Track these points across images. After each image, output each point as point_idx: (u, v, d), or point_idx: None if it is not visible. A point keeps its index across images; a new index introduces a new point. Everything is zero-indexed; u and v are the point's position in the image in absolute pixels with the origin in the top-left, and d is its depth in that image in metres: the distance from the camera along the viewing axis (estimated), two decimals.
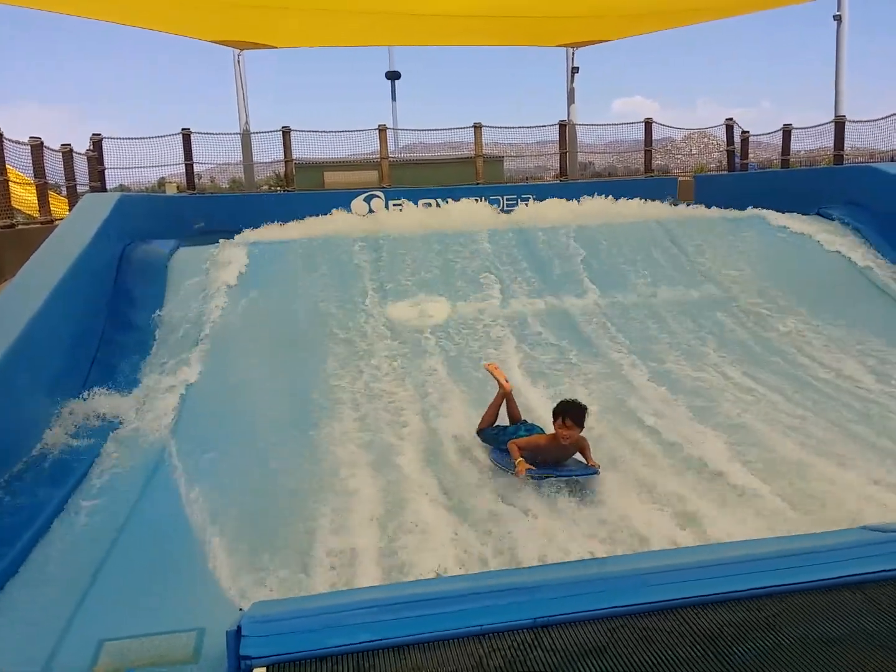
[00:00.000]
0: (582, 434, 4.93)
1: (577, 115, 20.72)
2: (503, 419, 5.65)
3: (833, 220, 10.93)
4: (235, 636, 2.44)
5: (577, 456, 5.04)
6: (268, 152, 18.02)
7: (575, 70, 20.75)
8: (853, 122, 14.37)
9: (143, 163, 17.05)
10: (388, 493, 4.90)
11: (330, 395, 6.67)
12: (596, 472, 4.81)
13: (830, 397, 6.52)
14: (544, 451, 4.95)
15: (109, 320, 7.52)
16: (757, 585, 2.70)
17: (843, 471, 5.01)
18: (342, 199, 13.84)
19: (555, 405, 5.03)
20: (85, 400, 6.06)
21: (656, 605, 2.65)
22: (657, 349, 7.77)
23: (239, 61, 19.37)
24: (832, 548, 2.92)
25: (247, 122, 18.98)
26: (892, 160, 12.49)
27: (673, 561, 2.96)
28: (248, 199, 15.08)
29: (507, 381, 5.71)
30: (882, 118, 13.29)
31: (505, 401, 5.64)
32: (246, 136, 18.52)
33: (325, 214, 12.35)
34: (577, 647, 2.55)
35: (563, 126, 18.25)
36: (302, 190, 16.56)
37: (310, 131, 17.48)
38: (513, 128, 18.69)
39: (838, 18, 17.45)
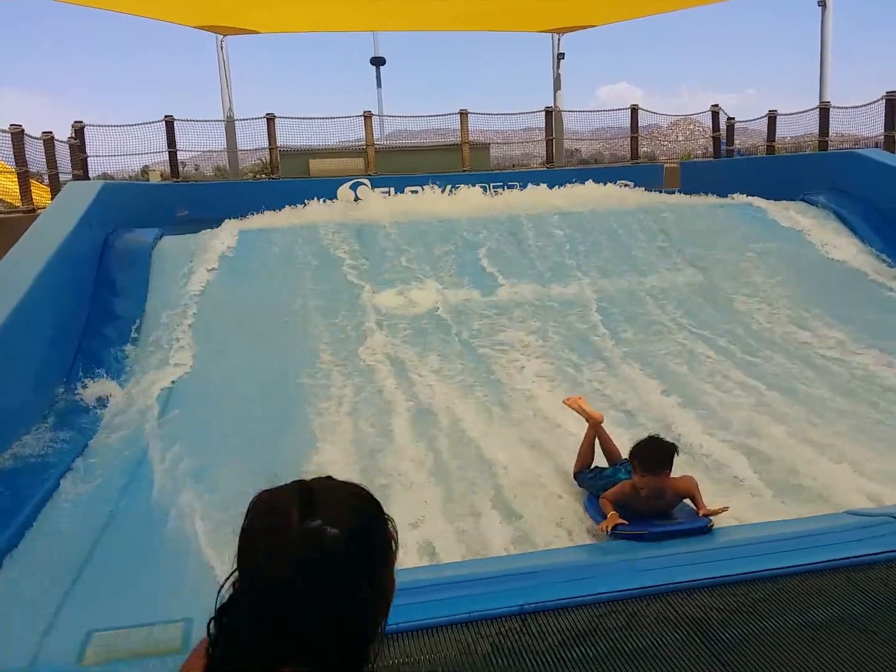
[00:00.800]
0: (685, 475, 4.02)
1: (564, 102, 20.68)
2: (600, 459, 4.66)
3: (817, 206, 10.98)
4: None
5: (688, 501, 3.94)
6: (252, 139, 17.85)
7: (561, 56, 20.68)
8: (838, 108, 14.40)
9: (126, 150, 16.85)
10: (373, 480, 4.90)
11: (319, 384, 6.65)
12: (704, 526, 3.50)
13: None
14: (634, 503, 3.86)
15: (93, 309, 7.47)
16: (743, 570, 2.74)
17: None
18: (328, 187, 13.75)
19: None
20: (69, 389, 6.01)
21: (643, 591, 2.68)
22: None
23: (222, 47, 19.15)
24: (818, 532, 2.96)
25: (230, 109, 18.80)
26: (876, 146, 12.52)
27: (660, 549, 2.99)
28: (233, 187, 14.95)
29: (595, 412, 4.79)
30: (866, 104, 13.32)
31: (598, 436, 4.68)
32: (230, 124, 18.33)
33: (311, 202, 12.27)
34: (564, 633, 2.57)
35: (549, 113, 18.16)
36: (287, 177, 16.43)
37: (295, 118, 17.32)
38: (499, 114, 18.63)
39: (823, 4, 17.48)
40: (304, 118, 17.45)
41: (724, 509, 3.56)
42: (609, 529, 3.59)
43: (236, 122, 18.30)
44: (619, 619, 2.62)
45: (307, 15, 18.10)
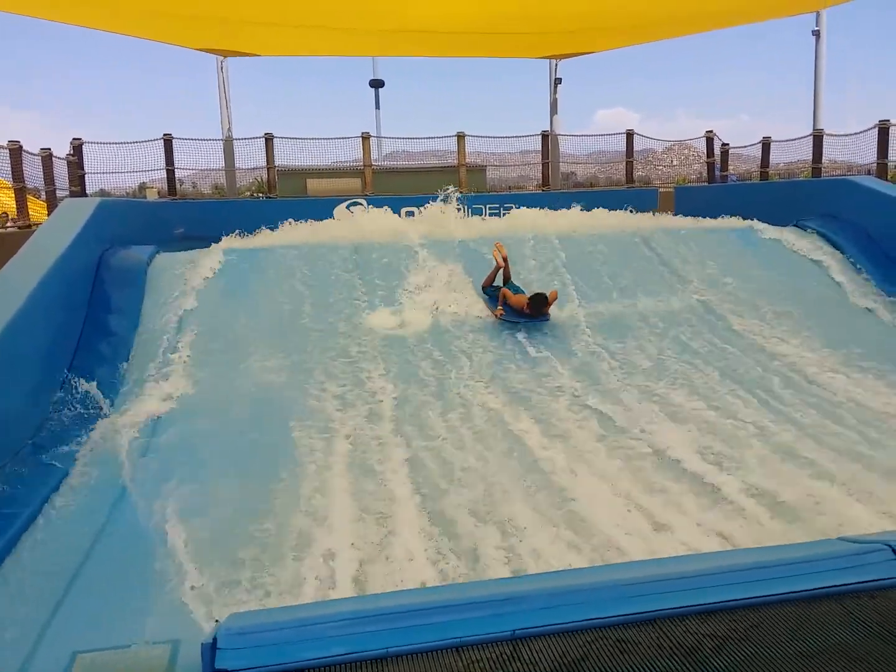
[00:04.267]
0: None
1: (560, 126, 20.88)
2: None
3: (810, 231, 11.06)
4: (211, 648, 2.40)
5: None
6: (250, 158, 17.98)
7: (558, 81, 20.91)
8: (831, 135, 14.56)
9: (123, 168, 16.92)
10: (369, 510, 4.87)
11: (315, 409, 6.61)
12: (546, 318, 8.39)
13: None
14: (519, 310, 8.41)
15: (87, 327, 7.43)
16: (735, 597, 2.71)
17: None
18: (325, 207, 13.80)
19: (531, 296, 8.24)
20: (60, 408, 5.97)
21: (635, 617, 2.64)
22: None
23: (222, 68, 19.32)
24: (810, 559, 2.93)
25: (229, 129, 18.94)
26: (868, 173, 12.65)
27: (652, 572, 2.96)
28: (230, 206, 14.99)
29: (502, 260, 8.97)
30: (859, 132, 13.49)
31: (501, 271, 8.98)
32: (228, 143, 18.45)
33: (308, 221, 12.31)
34: (556, 659, 2.54)
35: (545, 136, 18.33)
36: (284, 197, 16.50)
37: (293, 138, 17.46)
38: (496, 137, 18.79)
39: (817, 34, 17.75)
40: (302, 138, 17.60)
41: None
42: (499, 316, 8.38)
43: (235, 141, 18.42)
44: (612, 645, 2.60)
45: (307, 40, 18.29)
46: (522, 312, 8.29)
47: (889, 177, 12.64)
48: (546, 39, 17.70)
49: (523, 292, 8.54)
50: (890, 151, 12.44)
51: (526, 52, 20.31)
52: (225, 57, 19.06)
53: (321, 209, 13.38)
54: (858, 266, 10.03)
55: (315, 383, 7.05)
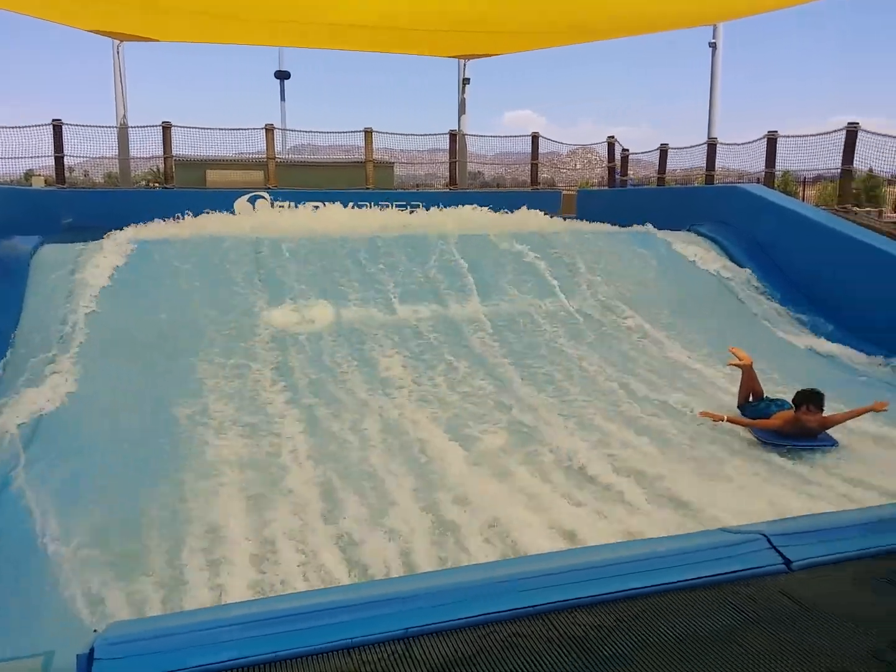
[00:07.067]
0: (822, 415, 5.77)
1: (468, 126, 21.02)
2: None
3: (702, 236, 11.57)
4: (87, 660, 2.28)
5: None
6: (147, 147, 17.26)
7: (466, 81, 21.04)
8: (724, 144, 15.23)
9: (6, 154, 15.92)
10: (263, 513, 4.74)
11: (204, 405, 6.39)
12: (829, 444, 5.78)
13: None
14: (790, 430, 5.82)
15: None
16: (622, 588, 2.78)
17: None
18: (225, 199, 13.41)
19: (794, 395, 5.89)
20: None
21: (525, 611, 2.67)
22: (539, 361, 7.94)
23: (118, 52, 18.44)
24: (692, 549, 3.04)
25: (125, 116, 18.09)
26: (758, 181, 13.32)
27: (543, 565, 3.00)
28: (124, 196, 14.36)
29: (745, 357, 6.55)
30: (750, 142, 14.18)
31: (748, 377, 6.48)
32: (123, 130, 17.64)
33: (207, 213, 11.93)
34: (448, 656, 2.53)
35: (453, 135, 18.43)
36: (182, 187, 15.92)
37: (192, 127, 16.87)
38: (404, 134, 18.71)
39: (713, 46, 18.55)
40: (202, 128, 17.02)
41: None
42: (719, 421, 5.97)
43: (130, 128, 17.64)
44: (502, 640, 2.61)
45: (209, 27, 17.69)
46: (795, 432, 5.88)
47: (776, 185, 13.35)
48: (454, 38, 17.78)
49: (783, 402, 6.15)
50: (778, 161, 13.14)
51: (435, 51, 20.33)
52: (121, 41, 18.20)
53: (221, 201, 13.00)
54: (746, 269, 10.56)
55: (207, 379, 6.83)
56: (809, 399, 5.68)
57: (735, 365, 6.55)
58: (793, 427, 5.76)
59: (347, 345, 7.81)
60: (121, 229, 10.29)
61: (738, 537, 3.12)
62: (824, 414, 5.78)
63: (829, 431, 5.90)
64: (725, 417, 5.96)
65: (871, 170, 12.42)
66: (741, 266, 10.60)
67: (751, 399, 6.40)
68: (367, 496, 4.93)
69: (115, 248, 8.91)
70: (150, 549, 4.21)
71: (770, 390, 6.68)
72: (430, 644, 2.61)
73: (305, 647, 2.57)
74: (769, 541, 3.06)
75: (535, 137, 18.63)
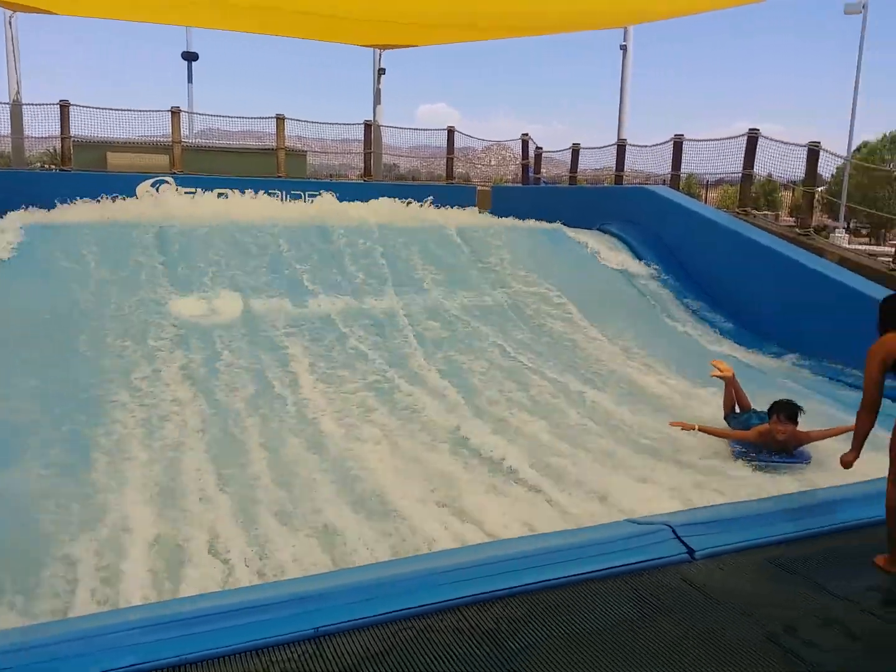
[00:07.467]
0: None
1: (383, 117, 20.85)
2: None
3: (611, 235, 11.89)
4: None
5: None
6: (42, 126, 16.28)
7: (381, 71, 20.85)
8: (633, 145, 15.66)
9: None
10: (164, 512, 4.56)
11: (101, 398, 6.10)
12: (802, 461, 5.41)
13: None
14: (764, 443, 5.50)
15: None
16: (532, 581, 2.82)
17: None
18: (127, 183, 12.82)
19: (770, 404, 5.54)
20: None
21: (436, 606, 2.67)
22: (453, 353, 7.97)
23: (11, 23, 17.32)
24: (601, 541, 3.12)
25: (18, 92, 17.03)
26: (664, 183, 13.76)
27: (454, 560, 3.01)
28: (16, 176, 13.53)
29: (726, 368, 6.25)
30: (657, 144, 14.63)
31: (733, 389, 6.20)
32: (16, 107, 16.59)
33: (107, 197, 11.36)
34: (359, 653, 2.51)
35: (368, 126, 18.23)
36: (81, 170, 15.13)
37: (92, 107, 16.05)
38: (317, 123, 18.36)
39: (624, 48, 19.04)
40: (103, 108, 16.22)
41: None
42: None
43: (24, 106, 16.61)
44: (414, 634, 2.61)
45: (112, 2, 16.84)
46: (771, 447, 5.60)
47: (680, 187, 13.83)
48: (371, 28, 17.58)
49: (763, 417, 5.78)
50: (683, 164, 13.62)
51: (350, 39, 20.02)
52: (14, 11, 17.09)
53: (123, 185, 12.41)
54: (652, 268, 10.92)
55: (110, 373, 6.52)
56: (781, 409, 5.41)
57: (717, 376, 6.28)
58: (766, 440, 5.48)
59: (255, 335, 7.61)
60: (13, 212, 9.68)
61: (644, 528, 3.21)
62: (804, 430, 5.49)
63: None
64: (697, 427, 5.71)
65: (769, 175, 13.02)
66: (647, 264, 10.95)
67: (737, 411, 6.19)
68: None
69: (5, 232, 8.39)
70: (37, 545, 3.97)
71: (670, 385, 6.94)
72: (342, 642, 2.58)
73: (212, 650, 2.50)
74: (674, 531, 3.17)
75: (450, 132, 18.66)
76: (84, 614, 3.31)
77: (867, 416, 3.23)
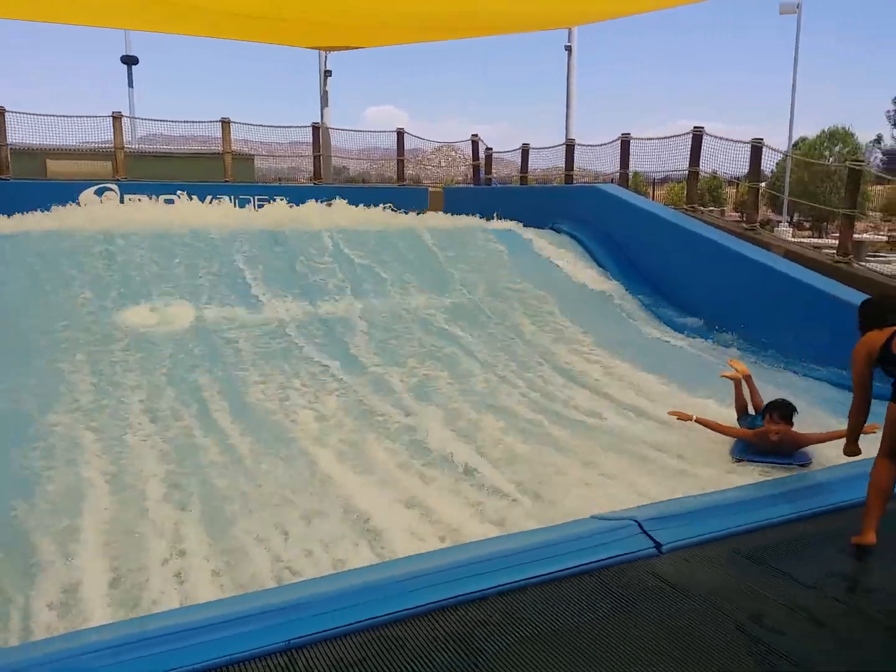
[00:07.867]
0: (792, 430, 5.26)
1: (331, 119, 20.68)
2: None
3: (563, 233, 12.02)
4: None
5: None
6: None
7: (328, 73, 20.68)
8: (581, 145, 15.84)
9: None
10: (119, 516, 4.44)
11: (45, 408, 5.93)
12: (802, 462, 5.19)
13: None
14: (760, 444, 5.34)
15: None
16: (503, 582, 2.81)
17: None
18: (69, 191, 12.46)
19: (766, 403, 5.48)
20: None
21: (409, 613, 2.65)
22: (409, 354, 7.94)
23: None
24: (568, 538, 3.13)
25: None
26: (612, 182, 13.95)
27: (425, 565, 2.98)
28: None
29: (743, 369, 6.16)
30: (605, 144, 14.82)
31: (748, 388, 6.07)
32: None
33: (47, 207, 11.00)
34: (333, 665, 2.47)
35: (316, 128, 18.06)
36: (19, 178, 14.66)
37: (30, 114, 15.55)
38: (264, 126, 18.13)
39: (569, 49, 19.24)
40: (41, 115, 15.73)
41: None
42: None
43: None
44: (388, 643, 2.58)
45: (43, 4, 16.33)
46: (767, 448, 5.39)
47: (628, 185, 14.05)
48: (315, 30, 17.40)
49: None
50: (630, 162, 13.85)
51: (294, 41, 19.79)
52: None
53: (64, 193, 12.05)
54: (602, 265, 11.07)
55: (55, 387, 6.32)
56: (774, 408, 5.28)
57: (727, 376, 6.17)
58: (762, 440, 5.31)
59: (206, 345, 7.47)
60: None
61: (611, 524, 3.24)
62: (805, 433, 5.33)
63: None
64: (694, 417, 5.65)
65: (714, 172, 13.30)
66: (598, 261, 11.11)
67: (751, 412, 5.97)
68: None
69: None
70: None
71: (616, 374, 7.09)
72: (314, 653, 2.54)
73: (181, 668, 2.43)
74: (640, 526, 3.20)
75: (400, 133, 18.61)
76: (47, 637, 3.20)
77: (859, 410, 3.40)
